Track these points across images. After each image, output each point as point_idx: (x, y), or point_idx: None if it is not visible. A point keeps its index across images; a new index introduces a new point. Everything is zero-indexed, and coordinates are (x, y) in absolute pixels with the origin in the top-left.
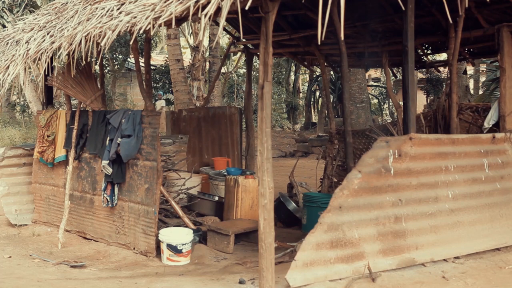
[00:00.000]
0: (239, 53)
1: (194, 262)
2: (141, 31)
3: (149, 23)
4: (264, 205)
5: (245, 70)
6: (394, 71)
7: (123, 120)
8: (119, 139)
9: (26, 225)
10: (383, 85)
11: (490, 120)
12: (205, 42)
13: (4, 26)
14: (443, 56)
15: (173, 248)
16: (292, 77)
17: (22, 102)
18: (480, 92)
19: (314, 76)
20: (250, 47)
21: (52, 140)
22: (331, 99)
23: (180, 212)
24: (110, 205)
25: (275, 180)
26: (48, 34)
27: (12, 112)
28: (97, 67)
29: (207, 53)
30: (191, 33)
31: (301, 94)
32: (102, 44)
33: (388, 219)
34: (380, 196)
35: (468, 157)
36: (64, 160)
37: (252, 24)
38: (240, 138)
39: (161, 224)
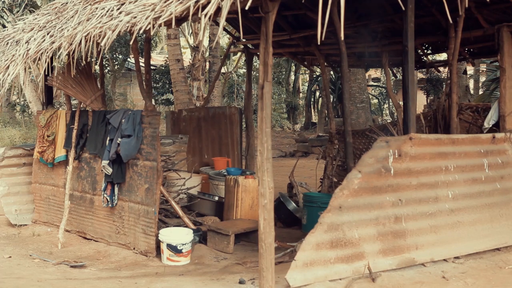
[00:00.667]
0: (239, 53)
1: (194, 262)
2: (141, 31)
3: (149, 23)
4: (264, 205)
5: (245, 70)
6: (394, 71)
7: (123, 120)
8: (119, 139)
9: (26, 225)
10: (383, 85)
11: (490, 120)
12: (205, 42)
13: (4, 26)
14: (443, 56)
15: (173, 248)
16: (292, 77)
17: (22, 102)
18: (480, 92)
19: (314, 76)
20: (250, 47)
21: (52, 140)
22: (331, 99)
23: (180, 212)
24: (110, 205)
25: (275, 180)
26: (48, 34)
27: (12, 112)
28: (97, 67)
29: (207, 53)
30: (191, 33)
31: (301, 94)
32: (102, 44)
33: (388, 219)
34: (380, 196)
35: (468, 157)
36: (64, 160)
37: (252, 24)
38: (240, 138)
39: (161, 224)
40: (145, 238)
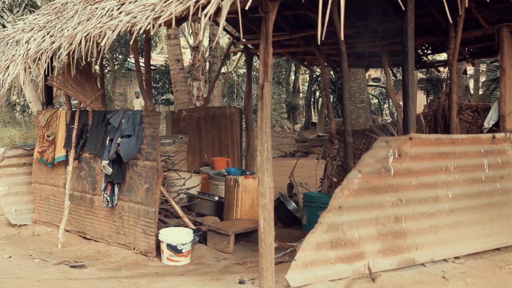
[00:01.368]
0: (239, 53)
1: (194, 262)
2: (141, 31)
3: (149, 23)
4: (264, 205)
5: (245, 70)
6: (394, 71)
7: (123, 120)
8: (119, 139)
9: (26, 225)
10: (383, 85)
11: (490, 120)
12: (205, 42)
13: (4, 26)
14: (443, 56)
15: (173, 248)
16: (292, 77)
17: (22, 102)
18: (480, 92)
19: (314, 76)
20: (250, 47)
21: (52, 140)
22: (331, 99)
23: (180, 212)
24: (110, 205)
25: (275, 180)
26: (48, 34)
27: (12, 112)
28: (97, 67)
29: (207, 53)
30: (191, 33)
31: (301, 94)
32: (102, 44)
33: (388, 219)
34: (380, 196)
35: (468, 157)
36: (64, 160)
37: (252, 24)
38: (240, 138)
39: (161, 224)
40: (145, 238)
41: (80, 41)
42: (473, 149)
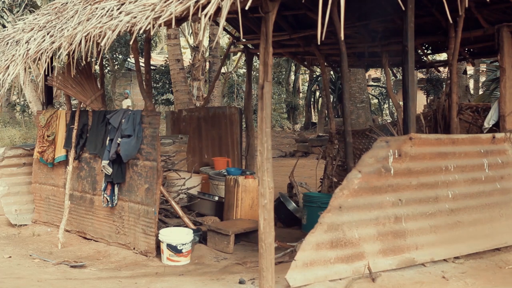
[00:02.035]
0: (239, 53)
1: (194, 262)
2: (141, 31)
3: (149, 23)
4: (264, 205)
5: (245, 70)
6: (394, 71)
7: (123, 120)
8: (119, 139)
9: (26, 225)
10: (383, 85)
11: (490, 120)
12: (205, 42)
13: (4, 26)
14: (443, 56)
15: (173, 248)
16: (292, 77)
17: (22, 102)
18: (480, 92)
19: (314, 76)
20: (250, 47)
21: (52, 140)
22: (331, 99)
23: (180, 212)
24: (110, 205)
25: (275, 180)
26: (48, 34)
27: (12, 112)
28: (97, 67)
29: (207, 53)
30: (191, 33)
31: (301, 94)
32: (102, 44)
33: (388, 219)
34: (380, 196)
35: (468, 157)
36: (64, 160)
37: (252, 24)
38: (240, 138)
39: (161, 224)
40: (145, 238)
41: (80, 41)
42: (473, 149)
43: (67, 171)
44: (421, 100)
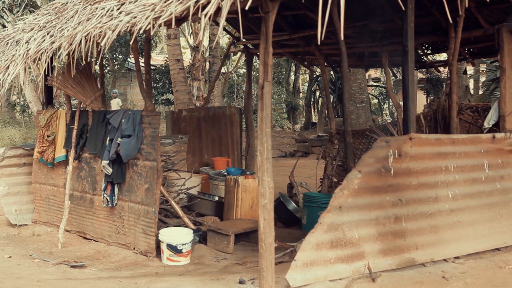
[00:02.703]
0: (239, 53)
1: (194, 262)
2: (141, 31)
3: (149, 23)
4: (264, 205)
5: (245, 70)
6: (394, 71)
7: (123, 120)
8: (119, 139)
9: (26, 225)
10: (383, 85)
11: (490, 120)
12: (205, 42)
13: (4, 26)
14: (443, 56)
15: (173, 248)
16: (292, 77)
17: (22, 102)
18: (480, 92)
19: (314, 76)
20: (250, 47)
21: (52, 140)
22: (331, 99)
23: (180, 212)
24: (110, 205)
25: (275, 180)
26: (48, 34)
27: (12, 112)
28: (97, 67)
29: (207, 53)
30: (191, 33)
31: (301, 94)
32: (102, 44)
33: (388, 219)
34: (380, 196)
35: (468, 157)
36: (64, 160)
37: (252, 24)
38: (240, 138)
39: (161, 224)
40: (145, 238)
41: (80, 41)
42: (473, 149)
43: (67, 171)
44: (421, 100)
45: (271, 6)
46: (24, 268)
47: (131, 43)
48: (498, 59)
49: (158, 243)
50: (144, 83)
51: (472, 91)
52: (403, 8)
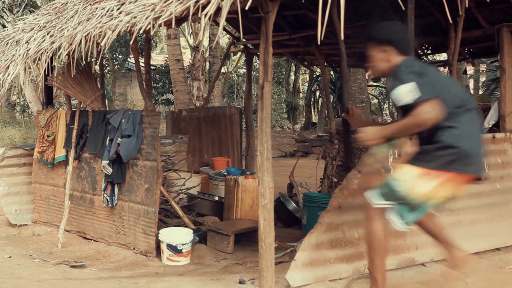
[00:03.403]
0: (239, 53)
1: (194, 262)
2: (141, 31)
3: (149, 23)
4: (264, 205)
5: (245, 70)
6: None
7: (123, 120)
8: (119, 139)
9: (26, 225)
10: (383, 85)
11: (490, 120)
12: (205, 42)
13: (4, 26)
14: (443, 56)
15: (173, 248)
16: (292, 77)
17: (22, 102)
18: (480, 92)
19: (314, 76)
20: (250, 47)
21: (52, 140)
22: (331, 99)
23: (180, 212)
24: (110, 205)
25: (275, 180)
26: (48, 34)
27: (12, 112)
28: (97, 67)
29: (207, 53)
30: (191, 33)
31: (301, 94)
32: (102, 44)
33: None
34: None
35: None
36: (64, 160)
37: (252, 24)
38: (240, 138)
39: (161, 224)
40: (145, 238)
41: (80, 41)
42: None
43: (67, 171)
44: None
45: (271, 6)
46: (24, 268)
47: (131, 43)
48: (498, 59)
49: (158, 243)
50: (144, 83)
51: (472, 91)
52: (403, 8)
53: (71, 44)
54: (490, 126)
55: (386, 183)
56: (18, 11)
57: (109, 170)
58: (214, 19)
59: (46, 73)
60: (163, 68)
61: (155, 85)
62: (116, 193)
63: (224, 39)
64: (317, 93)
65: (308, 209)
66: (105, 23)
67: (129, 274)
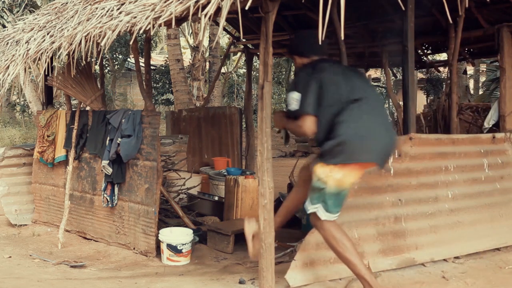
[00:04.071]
0: (239, 53)
1: (194, 262)
2: (141, 31)
3: (149, 23)
4: (264, 205)
5: (245, 70)
6: (394, 71)
7: (123, 120)
8: (119, 139)
9: (26, 225)
10: (383, 85)
11: (490, 120)
12: (205, 42)
13: (4, 26)
14: (443, 56)
15: (173, 248)
16: (292, 77)
17: (22, 102)
18: (480, 92)
19: None
20: (250, 47)
21: (52, 140)
22: None
23: (180, 212)
24: (110, 205)
25: (275, 180)
26: (48, 34)
27: (12, 112)
28: (97, 67)
29: (207, 53)
30: (191, 33)
31: None
32: (102, 44)
33: (388, 219)
34: (380, 196)
35: (468, 157)
36: (64, 160)
37: (252, 24)
38: (240, 138)
39: (161, 224)
40: (145, 238)
41: (80, 41)
42: (473, 149)
43: (67, 171)
44: (421, 100)
45: (271, 6)
46: (24, 268)
47: (131, 43)
48: (498, 59)
49: (158, 243)
50: (144, 83)
51: (472, 91)
52: (403, 8)
53: (71, 44)
54: (490, 126)
55: (313, 187)
56: (18, 11)
57: (109, 170)
58: (214, 19)
59: (46, 73)
60: (163, 68)
61: (155, 85)
62: (116, 193)
63: (224, 39)
64: None
65: None
66: (105, 23)
67: (129, 274)
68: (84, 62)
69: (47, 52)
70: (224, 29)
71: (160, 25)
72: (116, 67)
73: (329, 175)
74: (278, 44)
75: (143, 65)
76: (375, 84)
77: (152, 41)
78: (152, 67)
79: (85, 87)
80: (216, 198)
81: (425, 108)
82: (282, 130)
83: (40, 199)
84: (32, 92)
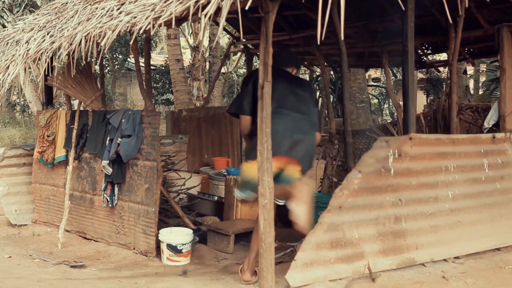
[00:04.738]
0: (239, 53)
1: (194, 262)
2: (141, 31)
3: (149, 23)
4: (264, 205)
5: (245, 70)
6: (394, 71)
7: (123, 120)
8: (119, 139)
9: (26, 225)
10: (383, 85)
11: (490, 120)
12: (205, 42)
13: (4, 26)
14: (443, 56)
15: (173, 248)
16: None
17: (22, 102)
18: (480, 92)
19: (314, 76)
20: (250, 47)
21: (52, 140)
22: (331, 99)
23: (180, 212)
24: (110, 205)
25: None
26: (48, 34)
27: (12, 112)
28: (97, 67)
29: (207, 53)
30: (191, 33)
31: None
32: (102, 44)
33: (388, 219)
34: (380, 196)
35: (468, 157)
36: (64, 160)
37: (252, 24)
38: (240, 138)
39: (161, 224)
40: (145, 238)
41: (80, 41)
42: (473, 149)
43: (67, 171)
44: (421, 100)
45: (271, 6)
46: (24, 268)
47: (131, 43)
48: (498, 59)
49: (158, 243)
50: (144, 83)
51: (472, 91)
52: (403, 8)
53: (71, 44)
54: (490, 126)
55: (240, 179)
56: (18, 11)
57: (109, 170)
58: (214, 19)
59: (46, 73)
60: (163, 68)
61: (155, 85)
62: (116, 193)
63: (224, 39)
64: (317, 93)
65: None
66: (105, 23)
67: (129, 274)
68: (84, 62)
69: (47, 52)
70: (224, 29)
71: (160, 25)
72: (116, 67)
73: (249, 168)
74: (278, 44)
75: (143, 65)
76: (375, 84)
77: (152, 41)
78: (152, 67)
79: (85, 87)
80: (216, 198)
81: (425, 108)
82: None
83: (40, 199)
84: (32, 92)
